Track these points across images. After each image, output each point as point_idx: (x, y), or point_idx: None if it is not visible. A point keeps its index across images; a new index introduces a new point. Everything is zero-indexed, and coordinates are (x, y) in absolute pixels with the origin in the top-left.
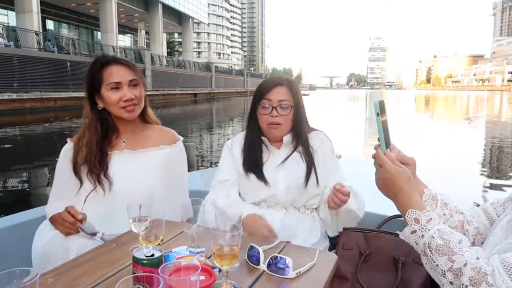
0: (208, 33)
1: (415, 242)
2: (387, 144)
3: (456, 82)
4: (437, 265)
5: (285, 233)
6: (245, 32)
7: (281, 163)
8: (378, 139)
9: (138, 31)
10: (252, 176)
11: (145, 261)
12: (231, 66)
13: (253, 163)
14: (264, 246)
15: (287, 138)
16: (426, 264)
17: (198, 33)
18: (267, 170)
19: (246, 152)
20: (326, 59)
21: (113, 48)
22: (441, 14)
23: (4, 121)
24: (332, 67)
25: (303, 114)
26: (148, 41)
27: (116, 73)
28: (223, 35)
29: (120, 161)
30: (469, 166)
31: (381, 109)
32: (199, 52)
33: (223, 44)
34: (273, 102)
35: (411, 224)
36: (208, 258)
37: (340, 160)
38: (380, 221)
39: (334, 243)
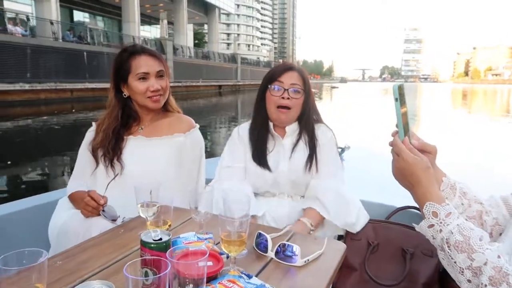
0: (238, 24)
1: (432, 236)
2: (406, 131)
3: (496, 75)
4: (455, 262)
5: (291, 222)
6: (275, 24)
7: (286, 153)
8: (396, 126)
9: (160, 21)
10: (257, 164)
11: (153, 245)
12: (259, 58)
13: (258, 151)
14: (272, 233)
15: (292, 128)
16: (443, 259)
17: (228, 24)
18: (271, 158)
19: (253, 139)
20: (359, 51)
21: (133, 39)
22: (482, 3)
23: (15, 112)
24: (365, 59)
25: (312, 103)
26: (172, 31)
27: (144, 64)
28: (253, 26)
29: (134, 147)
30: (507, 165)
31: (400, 95)
32: (228, 44)
33: (252, 36)
34: (285, 84)
35: (428, 218)
36: (216, 244)
37: (349, 150)
38: (389, 212)
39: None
